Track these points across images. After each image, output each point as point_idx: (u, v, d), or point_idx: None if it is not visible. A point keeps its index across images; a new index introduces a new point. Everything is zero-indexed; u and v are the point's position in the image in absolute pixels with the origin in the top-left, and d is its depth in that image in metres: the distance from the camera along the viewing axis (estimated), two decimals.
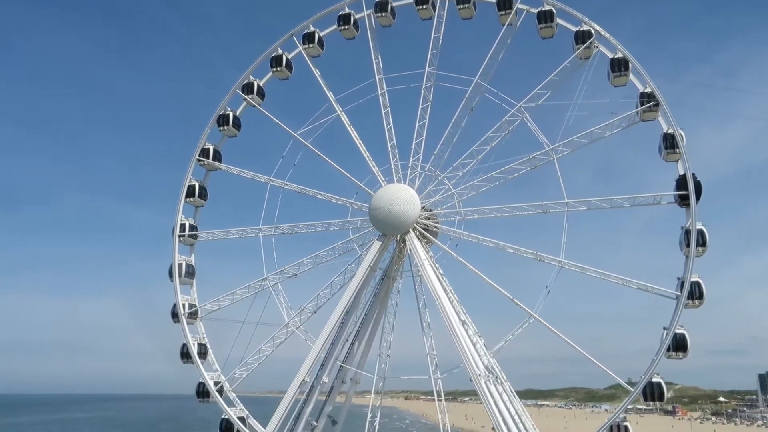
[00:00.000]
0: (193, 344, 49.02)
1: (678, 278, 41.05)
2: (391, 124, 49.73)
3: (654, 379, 40.37)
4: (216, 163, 53.17)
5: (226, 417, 47.76)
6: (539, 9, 46.79)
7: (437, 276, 47.28)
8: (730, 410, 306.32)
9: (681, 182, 41.73)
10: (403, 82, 50.02)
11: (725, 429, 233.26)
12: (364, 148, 49.83)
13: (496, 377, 46.29)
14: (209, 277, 56.47)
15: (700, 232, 40.54)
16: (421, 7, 49.90)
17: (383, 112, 49.77)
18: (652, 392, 40.40)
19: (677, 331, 39.95)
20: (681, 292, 40.11)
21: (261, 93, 53.54)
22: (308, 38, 52.19)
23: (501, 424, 41.91)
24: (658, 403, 41.31)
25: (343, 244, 49.27)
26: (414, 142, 48.79)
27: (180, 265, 50.84)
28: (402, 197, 46.72)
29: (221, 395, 48.32)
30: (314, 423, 49.35)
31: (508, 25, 47.47)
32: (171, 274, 50.72)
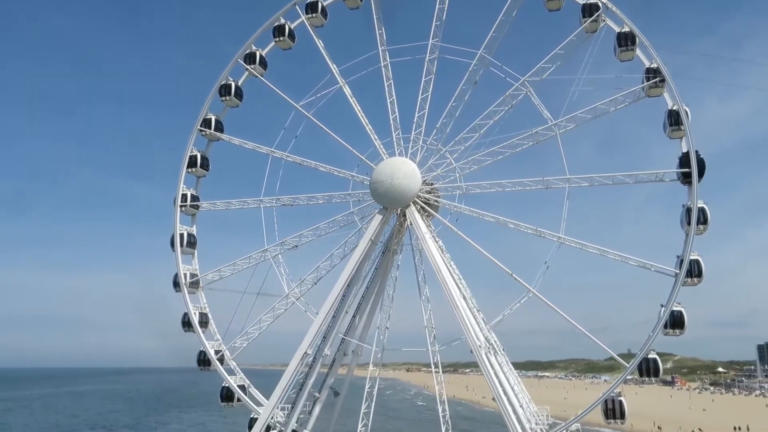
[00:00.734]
0: (195, 313, 49.56)
1: (677, 256, 41.07)
2: (394, 97, 49.19)
3: (650, 356, 40.78)
4: (218, 134, 52.92)
5: (227, 385, 48.69)
6: None
7: (438, 249, 47.39)
8: (728, 380, 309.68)
9: (684, 160, 41.46)
10: (406, 54, 49.41)
11: (723, 399, 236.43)
12: (366, 120, 49.40)
13: (495, 350, 46.70)
14: (211, 250, 56.78)
15: (702, 210, 40.42)
16: None
17: (386, 84, 49.30)
18: (648, 368, 40.78)
19: (674, 309, 40.15)
20: (680, 270, 40.21)
21: (263, 63, 53.01)
22: (311, 7, 51.36)
23: (501, 394, 42.30)
24: (653, 379, 41.56)
25: (343, 216, 49.33)
26: (416, 115, 48.37)
27: (181, 235, 51.08)
28: (403, 171, 46.55)
29: (222, 364, 49.04)
30: (317, 394, 50.01)
31: None
32: (172, 244, 51.03)
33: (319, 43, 51.64)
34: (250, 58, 52.50)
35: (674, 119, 42.06)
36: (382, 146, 48.59)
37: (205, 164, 52.87)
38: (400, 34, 51.48)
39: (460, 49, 47.71)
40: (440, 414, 44.52)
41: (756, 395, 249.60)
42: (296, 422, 47.85)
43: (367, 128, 49.36)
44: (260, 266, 49.53)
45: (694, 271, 40.34)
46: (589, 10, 45.03)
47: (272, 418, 46.43)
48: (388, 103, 49.09)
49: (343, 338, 50.50)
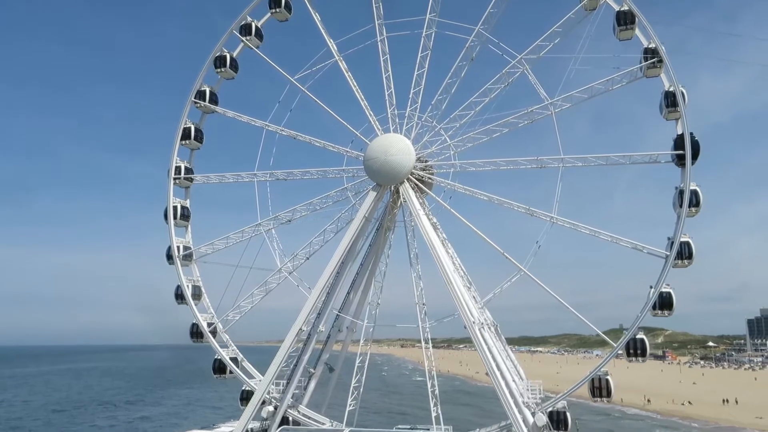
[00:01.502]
0: (188, 286, 49.79)
1: (668, 238, 41.24)
2: (390, 72, 48.77)
3: (638, 336, 41.23)
4: (212, 106, 52.47)
5: (219, 357, 49.19)
6: None
7: (432, 226, 47.42)
8: (718, 354, 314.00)
9: (679, 142, 41.40)
10: (403, 29, 48.86)
11: (713, 372, 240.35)
12: (362, 95, 49.02)
13: (488, 326, 47.00)
14: (205, 225, 56.77)
15: (694, 193, 40.47)
16: None
17: (382, 59, 48.73)
18: (635, 348, 41.27)
19: (663, 290, 40.44)
20: (670, 251, 40.43)
21: (259, 35, 52.38)
22: None
23: (494, 369, 42.68)
24: (641, 359, 42.01)
25: (337, 192, 49.23)
26: (412, 91, 48.01)
27: (175, 207, 51.05)
28: (397, 147, 46.38)
29: (214, 337, 49.44)
30: (311, 370, 50.54)
31: None
32: (166, 216, 50.99)
33: (316, 17, 50.92)
34: (245, 29, 51.90)
35: (671, 101, 41.90)
36: (377, 122, 48.30)
37: (199, 137, 52.59)
38: (398, 9, 50.77)
39: (458, 25, 47.20)
40: (429, 389, 45.04)
41: (745, 369, 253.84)
42: (291, 398, 48.36)
43: (362, 103, 49.01)
44: (253, 240, 49.74)
45: (685, 253, 40.57)
46: None
47: (267, 393, 46.92)
48: (384, 79, 48.67)
49: (337, 314, 50.86)
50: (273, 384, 47.30)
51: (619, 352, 41.69)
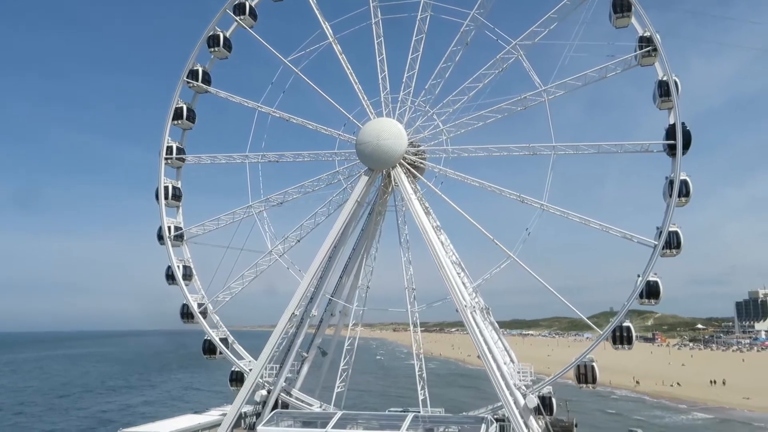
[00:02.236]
0: (178, 266, 49.89)
1: (657, 227, 41.48)
2: (384, 55, 48.42)
3: (624, 324, 41.67)
4: (205, 86, 51.95)
5: (209, 338, 49.49)
6: None
7: (423, 210, 47.49)
8: (707, 336, 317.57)
9: (671, 131, 41.43)
10: (398, 12, 48.37)
11: (701, 354, 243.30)
12: (355, 78, 48.59)
13: (480, 310, 47.32)
14: (196, 207, 56.63)
15: (684, 183, 40.63)
16: None
17: (376, 42, 48.35)
18: (621, 336, 41.72)
19: (650, 279, 40.81)
20: (658, 241, 40.71)
21: (253, 14, 51.73)
22: None
23: (486, 352, 43.06)
24: (626, 347, 42.41)
25: (328, 175, 49.15)
26: (405, 75, 47.71)
27: (166, 188, 50.92)
28: (389, 132, 46.24)
29: (205, 318, 49.66)
30: (304, 354, 50.83)
31: None
32: (157, 197, 50.88)
33: None
34: (239, 8, 51.23)
35: (664, 90, 41.84)
36: (370, 105, 48.07)
37: (191, 116, 52.23)
38: None
39: (454, 9, 46.79)
40: (416, 371, 45.57)
41: (733, 350, 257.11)
42: (284, 381, 48.70)
43: (356, 86, 48.63)
44: (244, 222, 49.75)
45: (673, 242, 40.89)
46: None
47: (260, 377, 47.27)
48: (378, 62, 48.32)
49: (330, 299, 51.11)
50: (266, 368, 47.60)
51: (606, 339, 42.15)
